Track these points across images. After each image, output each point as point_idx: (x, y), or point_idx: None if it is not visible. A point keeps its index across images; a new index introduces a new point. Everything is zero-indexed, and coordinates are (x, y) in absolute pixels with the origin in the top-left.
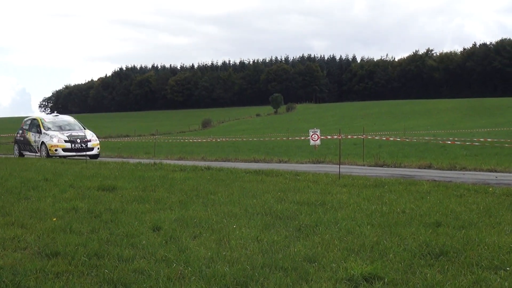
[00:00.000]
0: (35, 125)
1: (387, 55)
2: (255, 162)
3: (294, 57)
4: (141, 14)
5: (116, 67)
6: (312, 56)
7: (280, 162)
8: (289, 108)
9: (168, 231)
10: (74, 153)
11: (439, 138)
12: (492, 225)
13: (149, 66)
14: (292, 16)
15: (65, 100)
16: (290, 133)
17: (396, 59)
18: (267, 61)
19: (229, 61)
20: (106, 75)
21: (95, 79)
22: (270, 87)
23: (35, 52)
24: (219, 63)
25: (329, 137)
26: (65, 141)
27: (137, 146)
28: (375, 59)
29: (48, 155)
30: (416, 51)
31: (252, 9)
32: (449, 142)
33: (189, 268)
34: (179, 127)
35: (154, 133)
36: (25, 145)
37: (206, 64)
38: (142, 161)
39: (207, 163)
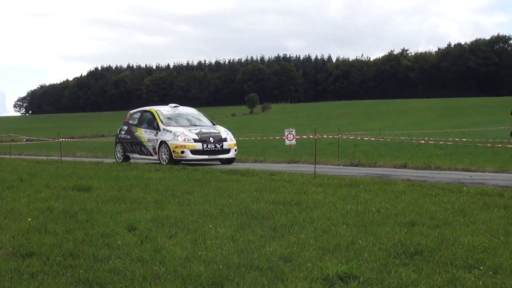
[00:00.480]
0: (148, 119)
1: (362, 55)
2: None
3: (270, 57)
4: (116, 13)
5: (91, 67)
6: (288, 56)
7: (255, 161)
8: (264, 108)
9: (143, 231)
10: (206, 156)
11: (414, 138)
12: (467, 224)
13: (125, 66)
14: (268, 16)
15: (40, 100)
16: (266, 133)
17: (371, 59)
18: (242, 61)
19: (205, 61)
20: (81, 75)
21: (70, 78)
22: (245, 87)
23: (9, 52)
24: (195, 63)
25: (304, 136)
26: (195, 140)
27: (112, 146)
28: (350, 59)
29: (171, 159)
30: (391, 51)
31: (227, 9)
32: (423, 142)
33: (165, 268)
34: None
35: None
36: (133, 145)
37: (181, 64)
38: (118, 161)
39: (182, 163)
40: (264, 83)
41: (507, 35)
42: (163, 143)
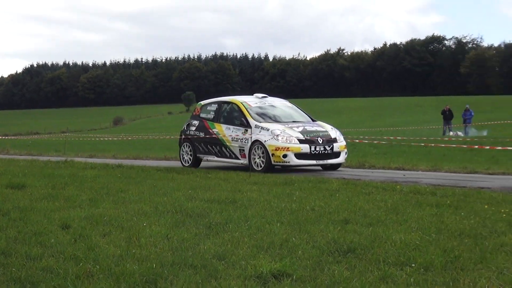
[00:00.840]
0: (231, 113)
1: (299, 54)
2: (167, 160)
3: (207, 55)
4: (52, 10)
5: (26, 64)
6: (225, 54)
7: None
8: None
9: (77, 229)
10: (313, 161)
11: (349, 137)
12: (399, 222)
13: (61, 63)
14: (205, 14)
15: None
16: None
17: (307, 58)
18: (179, 59)
19: (142, 58)
20: (16, 71)
21: (5, 75)
22: (182, 85)
23: None
24: (132, 61)
25: None
26: (300, 141)
27: (47, 144)
28: (287, 58)
29: (268, 165)
30: (327, 50)
31: (164, 7)
32: (358, 141)
33: (98, 266)
34: (90, 124)
35: (64, 131)
36: (209, 145)
37: (118, 62)
38: (52, 158)
39: (118, 161)
40: (201, 82)
41: (441, 35)
42: (256, 143)
